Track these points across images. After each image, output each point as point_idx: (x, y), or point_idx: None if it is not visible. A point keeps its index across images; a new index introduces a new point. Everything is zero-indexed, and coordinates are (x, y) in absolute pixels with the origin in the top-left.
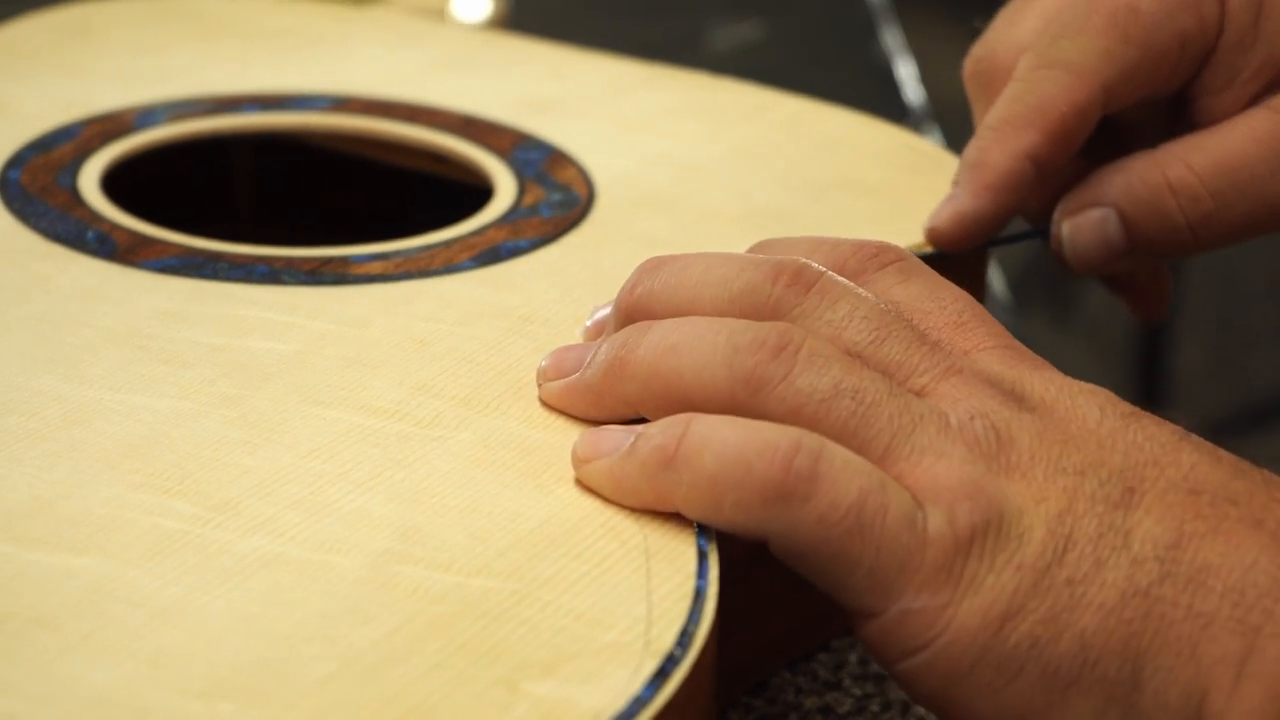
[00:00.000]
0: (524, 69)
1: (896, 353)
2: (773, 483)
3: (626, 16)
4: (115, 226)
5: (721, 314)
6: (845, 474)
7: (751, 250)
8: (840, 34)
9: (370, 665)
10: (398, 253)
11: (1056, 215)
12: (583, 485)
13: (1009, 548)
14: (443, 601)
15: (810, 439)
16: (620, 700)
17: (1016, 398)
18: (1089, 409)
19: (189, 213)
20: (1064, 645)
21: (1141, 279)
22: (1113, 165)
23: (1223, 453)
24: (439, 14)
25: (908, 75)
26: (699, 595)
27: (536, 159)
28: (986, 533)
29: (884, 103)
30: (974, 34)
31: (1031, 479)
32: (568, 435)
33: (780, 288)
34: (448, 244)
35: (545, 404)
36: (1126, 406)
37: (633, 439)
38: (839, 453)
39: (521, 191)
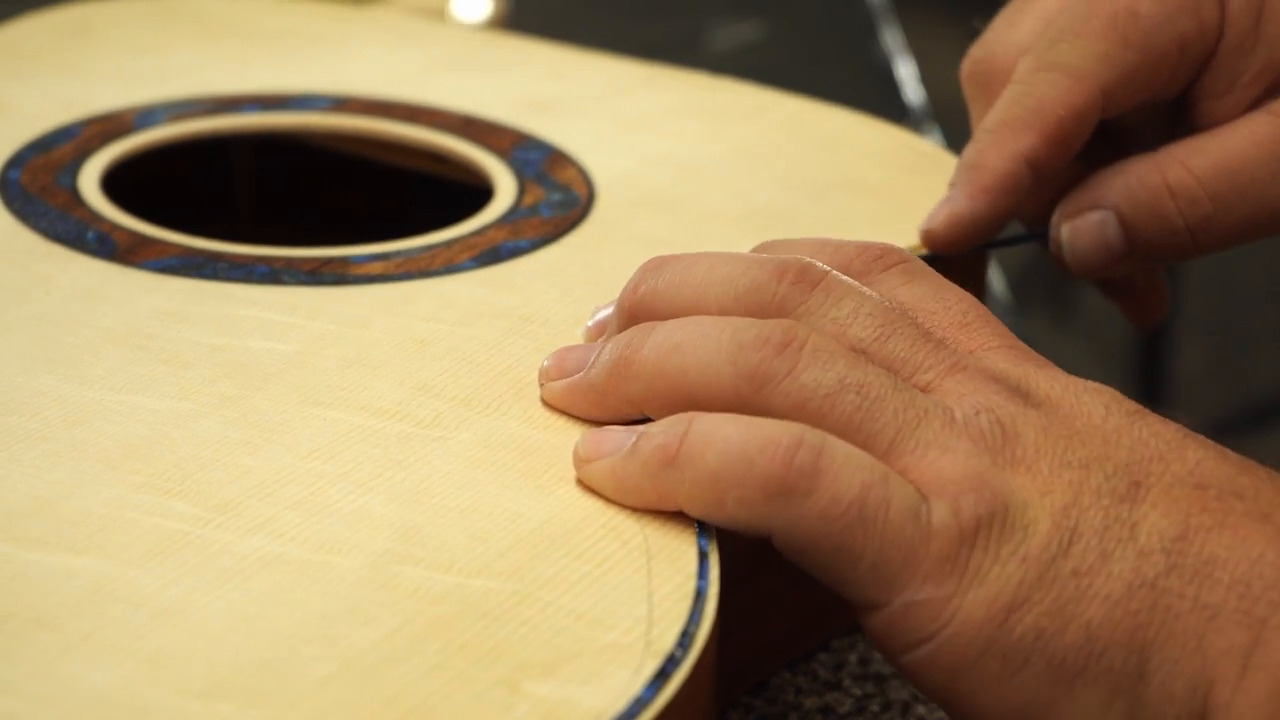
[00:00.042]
0: (524, 69)
1: (901, 349)
2: (775, 478)
3: (626, 16)
4: (115, 226)
5: (726, 313)
6: (847, 468)
7: (755, 251)
8: (840, 34)
9: (371, 666)
10: (398, 253)
11: (1055, 218)
12: (584, 485)
13: (1014, 539)
14: (443, 602)
15: (812, 434)
16: (621, 701)
17: (1022, 394)
18: (1094, 406)
19: (189, 213)
20: (1069, 637)
21: (1139, 284)
22: (1112, 168)
23: (1228, 450)
24: (439, 14)
25: (908, 75)
26: (700, 596)
27: (536, 159)
28: (991, 524)
29: (884, 103)
30: (973, 34)
31: (1037, 472)
32: (568, 435)
33: (785, 285)
34: (448, 244)
35: (547, 404)
36: (1131, 404)
37: (634, 439)
38: (841, 447)
39: (521, 192)
